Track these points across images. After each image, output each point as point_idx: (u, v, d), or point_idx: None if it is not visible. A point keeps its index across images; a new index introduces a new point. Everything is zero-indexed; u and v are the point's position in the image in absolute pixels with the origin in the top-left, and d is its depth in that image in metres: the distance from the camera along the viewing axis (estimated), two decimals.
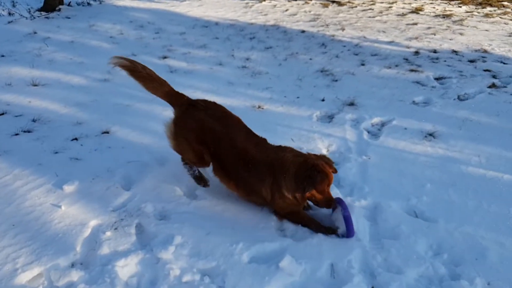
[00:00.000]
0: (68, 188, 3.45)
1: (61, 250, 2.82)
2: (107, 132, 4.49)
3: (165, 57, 7.20)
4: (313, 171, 2.89)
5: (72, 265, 2.75)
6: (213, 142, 3.22)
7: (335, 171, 3.10)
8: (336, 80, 6.40)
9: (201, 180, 3.53)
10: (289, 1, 12.86)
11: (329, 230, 3.08)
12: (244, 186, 3.21)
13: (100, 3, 11.04)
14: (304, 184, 2.88)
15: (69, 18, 9.48)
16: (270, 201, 3.15)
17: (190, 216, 3.19)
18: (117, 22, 9.36)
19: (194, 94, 5.61)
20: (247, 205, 3.35)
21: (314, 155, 3.10)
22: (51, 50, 7.23)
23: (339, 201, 3.08)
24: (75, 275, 2.63)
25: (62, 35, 8.18)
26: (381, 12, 11.79)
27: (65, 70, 6.36)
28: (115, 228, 3.03)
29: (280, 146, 3.22)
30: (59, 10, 9.95)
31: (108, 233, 2.97)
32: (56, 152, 4.07)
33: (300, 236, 3.05)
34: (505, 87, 6.21)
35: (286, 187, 2.99)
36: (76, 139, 4.33)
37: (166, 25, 9.42)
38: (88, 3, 10.77)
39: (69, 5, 10.43)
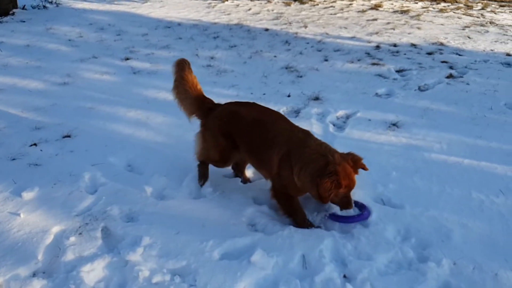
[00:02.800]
0: (27, 195, 3.31)
1: (21, 259, 2.70)
2: (69, 136, 4.34)
3: (127, 59, 7.05)
4: (330, 179, 2.78)
5: (34, 274, 2.62)
6: (238, 130, 3.30)
7: (365, 168, 3.03)
8: (301, 76, 6.44)
9: (202, 177, 3.56)
10: (251, 1, 12.88)
11: (311, 224, 3.09)
12: (261, 159, 3.22)
13: (57, 6, 10.70)
14: (317, 189, 2.81)
15: (24, 21, 9.14)
16: (274, 174, 3.10)
17: (158, 217, 3.12)
18: (75, 25, 9.11)
19: (158, 94, 5.57)
20: (217, 202, 3.32)
21: (341, 154, 2.96)
22: (5, 55, 6.94)
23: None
24: (37, 284, 2.52)
25: (16, 39, 7.87)
26: (342, 9, 11.99)
27: (21, 74, 6.11)
28: (80, 233, 2.92)
29: (309, 133, 3.21)
30: (13, 14, 9.57)
31: (72, 239, 2.86)
32: (14, 159, 3.90)
33: (271, 229, 3.04)
34: (462, 77, 6.45)
35: (298, 175, 2.92)
36: (35, 144, 4.16)
37: (128, 26, 9.23)
38: (44, 6, 10.42)
39: (23, 8, 10.05)
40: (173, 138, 4.39)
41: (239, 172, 3.76)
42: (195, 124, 4.64)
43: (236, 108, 3.44)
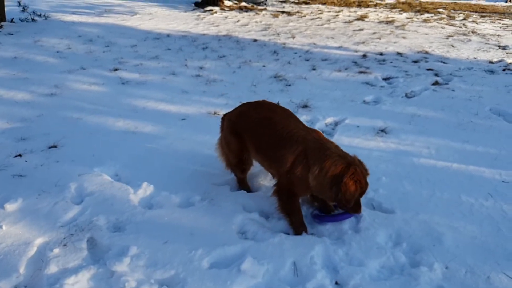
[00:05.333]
0: (10, 207, 3.23)
1: (2, 272, 2.61)
2: (55, 146, 4.26)
3: (116, 69, 7.01)
4: (354, 181, 2.81)
5: None
6: (250, 130, 3.32)
7: (368, 171, 3.03)
8: (290, 85, 6.46)
9: (245, 187, 3.64)
10: (240, 13, 12.98)
11: (305, 229, 3.07)
12: (271, 156, 3.19)
13: (46, 19, 10.65)
14: (337, 191, 2.80)
15: (12, 34, 9.08)
16: (284, 171, 3.06)
17: (145, 226, 3.06)
18: (64, 37, 9.06)
19: (147, 104, 5.54)
20: (206, 210, 3.27)
21: (357, 159, 2.98)
22: None
23: None
24: None
25: (4, 51, 7.79)
26: (328, 20, 12.13)
27: (7, 86, 6.03)
28: (64, 244, 2.84)
29: (322, 134, 3.25)
30: (1, 27, 9.51)
31: (56, 250, 2.77)
32: None
33: (261, 237, 2.99)
34: (447, 84, 6.53)
35: (317, 176, 2.88)
36: (20, 155, 4.08)
37: (117, 38, 9.21)
38: (33, 19, 10.37)
39: (11, 21, 10.01)
40: (162, 148, 4.34)
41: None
42: (185, 133, 4.66)
43: (245, 108, 3.49)
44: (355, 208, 2.97)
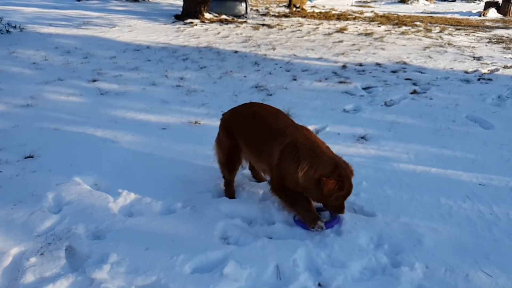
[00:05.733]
0: None
1: None
2: (31, 157, 4.17)
3: (95, 80, 6.94)
4: (336, 180, 2.87)
5: None
6: (239, 125, 3.39)
7: (352, 174, 3.10)
8: (271, 94, 6.50)
9: (230, 191, 3.66)
10: (220, 25, 13.08)
11: (315, 218, 3.04)
12: (260, 150, 3.24)
13: (21, 30, 10.52)
14: (320, 187, 2.85)
15: None
16: (274, 166, 3.09)
17: (126, 233, 3.00)
18: (40, 48, 8.94)
19: (126, 114, 5.49)
20: (187, 217, 3.23)
21: (343, 161, 3.06)
22: None
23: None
24: None
25: None
26: (308, 32, 12.33)
27: None
28: (41, 254, 2.76)
29: (311, 131, 3.32)
30: None
31: (33, 259, 2.69)
32: None
33: (243, 242, 2.96)
34: (425, 92, 6.68)
35: (305, 172, 2.92)
36: None
37: (95, 50, 9.14)
38: (8, 31, 10.22)
39: None
40: (142, 156, 4.29)
41: (254, 173, 3.90)
42: (165, 142, 4.63)
43: (238, 107, 3.60)
44: (338, 209, 3.01)
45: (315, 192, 2.91)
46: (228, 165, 3.57)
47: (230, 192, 3.64)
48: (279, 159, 3.08)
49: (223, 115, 3.69)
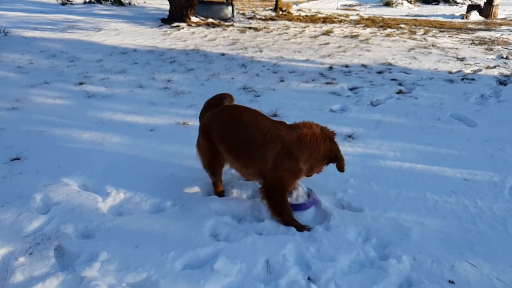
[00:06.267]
0: None
1: None
2: (18, 159, 4.13)
3: (81, 83, 6.90)
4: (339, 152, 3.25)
5: None
6: (218, 131, 3.34)
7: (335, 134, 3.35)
8: (259, 96, 6.54)
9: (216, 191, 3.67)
10: (207, 29, 13.11)
11: (301, 227, 3.14)
12: (245, 156, 3.24)
13: (5, 34, 10.43)
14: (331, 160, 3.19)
15: None
16: (267, 170, 3.13)
17: (116, 232, 3.00)
18: (25, 52, 8.87)
19: (114, 116, 5.47)
20: (177, 215, 3.24)
21: (326, 128, 3.28)
22: None
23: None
24: None
25: None
26: (295, 35, 12.43)
27: None
28: (30, 253, 2.74)
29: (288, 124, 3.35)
30: None
31: (22, 259, 2.67)
32: None
33: (233, 238, 2.98)
34: (410, 92, 6.79)
35: (309, 159, 3.10)
36: None
37: (81, 53, 9.10)
38: None
39: None
40: (130, 157, 4.29)
41: None
42: (153, 143, 4.63)
43: (215, 111, 3.47)
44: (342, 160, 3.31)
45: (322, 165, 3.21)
46: (211, 169, 3.56)
47: (218, 191, 3.65)
48: (275, 163, 3.09)
49: (201, 118, 3.66)
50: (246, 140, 3.16)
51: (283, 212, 3.18)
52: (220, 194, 3.64)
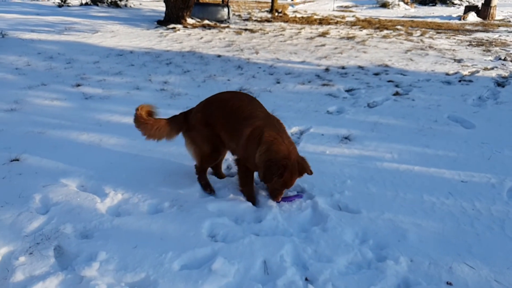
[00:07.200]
0: None
1: None
2: (17, 160, 4.13)
3: (78, 85, 6.91)
4: (282, 170, 3.14)
5: None
6: (216, 114, 3.54)
7: (311, 172, 3.34)
8: (255, 97, 6.54)
9: (207, 186, 3.74)
10: (203, 30, 13.14)
11: (255, 201, 3.50)
12: (231, 130, 3.47)
13: (3, 37, 10.41)
14: (269, 174, 3.16)
15: None
16: (240, 146, 3.38)
17: (114, 232, 3.01)
18: (23, 54, 8.87)
19: (111, 117, 5.48)
20: (175, 216, 3.25)
21: (297, 156, 3.31)
22: None
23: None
24: None
25: None
26: (291, 37, 12.47)
27: None
28: (30, 253, 2.75)
29: (282, 124, 3.54)
30: None
31: (22, 259, 2.68)
32: None
33: (231, 239, 3.00)
34: (407, 94, 6.83)
35: (261, 154, 3.21)
36: None
37: (78, 55, 9.10)
38: None
39: None
40: (127, 158, 4.30)
41: (214, 171, 4.05)
42: (150, 144, 4.62)
43: (208, 98, 3.73)
44: (274, 193, 3.40)
45: (262, 173, 3.22)
46: (214, 154, 3.70)
47: (206, 183, 3.76)
48: (246, 140, 3.32)
49: (193, 114, 3.71)
50: (237, 116, 3.42)
51: (245, 186, 3.52)
52: (209, 185, 3.77)
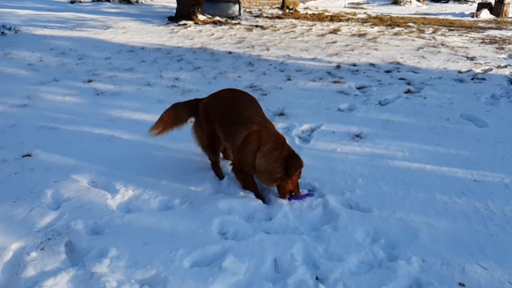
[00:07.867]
0: None
1: None
2: (29, 155, 4.17)
3: (90, 81, 6.95)
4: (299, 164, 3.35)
5: None
6: (216, 111, 3.67)
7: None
8: (266, 94, 6.54)
9: (218, 174, 3.93)
10: (214, 27, 13.12)
11: (264, 199, 3.53)
12: (228, 132, 3.57)
13: (16, 32, 10.51)
14: (298, 165, 3.32)
15: None
16: (236, 148, 3.46)
17: (125, 229, 3.02)
18: (36, 50, 8.94)
19: (122, 113, 5.50)
20: (185, 213, 3.25)
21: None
22: None
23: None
24: None
25: None
26: (302, 33, 12.39)
27: None
28: (42, 249, 2.78)
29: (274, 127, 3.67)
30: None
31: (34, 254, 2.71)
32: None
33: (241, 236, 3.00)
34: (419, 92, 6.75)
35: (264, 155, 3.31)
36: None
37: (90, 51, 9.15)
38: (3, 33, 10.22)
39: None
40: (138, 155, 4.31)
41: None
42: (161, 141, 4.64)
43: (216, 93, 3.88)
44: (282, 193, 3.48)
45: (277, 171, 3.28)
46: (211, 147, 3.86)
47: (218, 172, 3.93)
48: (242, 142, 3.39)
49: (200, 101, 3.91)
50: (234, 118, 3.51)
51: (248, 186, 3.60)
52: (220, 174, 3.92)
